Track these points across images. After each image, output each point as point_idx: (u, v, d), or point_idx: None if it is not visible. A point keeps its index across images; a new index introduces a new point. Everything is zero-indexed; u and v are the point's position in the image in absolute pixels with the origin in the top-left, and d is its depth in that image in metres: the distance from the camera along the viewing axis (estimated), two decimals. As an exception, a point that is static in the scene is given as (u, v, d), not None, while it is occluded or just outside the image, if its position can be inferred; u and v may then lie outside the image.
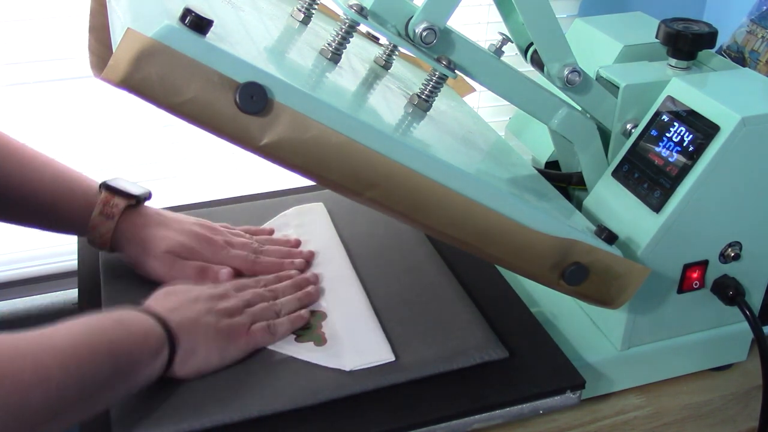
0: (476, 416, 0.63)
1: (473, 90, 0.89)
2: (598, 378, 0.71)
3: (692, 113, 0.66)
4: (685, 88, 0.68)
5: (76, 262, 0.79)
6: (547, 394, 0.65)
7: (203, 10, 0.47)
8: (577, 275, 0.61)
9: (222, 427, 0.59)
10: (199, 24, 0.46)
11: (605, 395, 0.73)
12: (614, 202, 0.70)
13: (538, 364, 0.67)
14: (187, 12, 0.46)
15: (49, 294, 1.16)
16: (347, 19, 0.60)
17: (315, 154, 0.51)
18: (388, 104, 0.65)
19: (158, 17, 0.46)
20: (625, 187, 0.69)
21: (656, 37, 0.73)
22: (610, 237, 0.63)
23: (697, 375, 0.76)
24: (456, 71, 0.64)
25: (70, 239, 0.80)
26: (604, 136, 0.74)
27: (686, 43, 0.71)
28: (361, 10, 0.59)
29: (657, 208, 0.65)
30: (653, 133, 0.68)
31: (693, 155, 0.64)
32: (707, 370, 0.76)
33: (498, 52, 0.68)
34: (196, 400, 0.61)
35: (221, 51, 0.47)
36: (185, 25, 0.46)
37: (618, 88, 0.71)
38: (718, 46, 1.01)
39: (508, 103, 0.69)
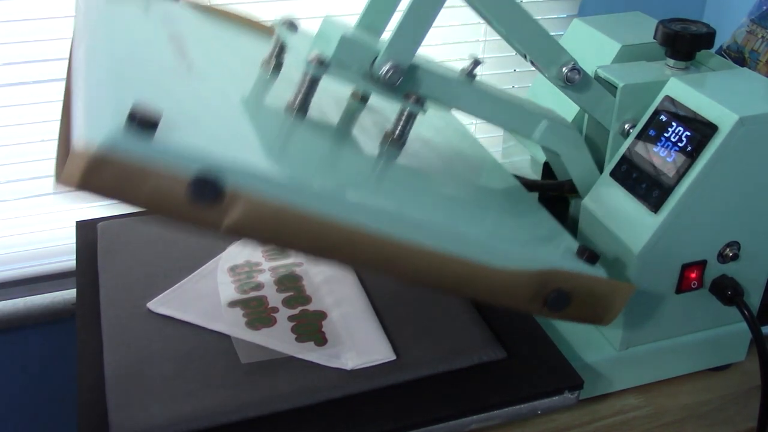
0: (474, 416, 0.63)
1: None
2: (597, 378, 0.71)
3: (690, 113, 0.66)
4: (684, 88, 0.68)
5: (75, 262, 0.79)
6: (545, 395, 0.65)
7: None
8: (559, 301, 0.60)
9: (222, 427, 0.60)
10: (147, 123, 0.46)
11: (604, 395, 0.73)
12: (612, 202, 0.70)
13: (537, 365, 0.67)
14: (134, 113, 0.46)
15: (49, 294, 1.16)
16: (308, 74, 0.60)
17: (275, 231, 0.51)
18: (355, 152, 0.64)
19: (109, 116, 0.46)
20: (623, 187, 0.69)
21: (654, 38, 0.73)
22: (591, 257, 0.62)
23: (695, 375, 0.76)
24: (426, 104, 0.64)
25: (70, 239, 0.80)
26: (604, 136, 0.74)
27: (684, 43, 0.71)
28: (322, 62, 0.59)
29: (655, 208, 0.65)
30: (651, 133, 0.68)
31: (691, 155, 0.64)
32: (706, 370, 0.76)
33: (470, 75, 0.67)
34: (195, 401, 0.61)
35: (169, 149, 0.47)
36: (133, 125, 0.46)
37: (616, 88, 0.71)
38: (718, 46, 1.01)
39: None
